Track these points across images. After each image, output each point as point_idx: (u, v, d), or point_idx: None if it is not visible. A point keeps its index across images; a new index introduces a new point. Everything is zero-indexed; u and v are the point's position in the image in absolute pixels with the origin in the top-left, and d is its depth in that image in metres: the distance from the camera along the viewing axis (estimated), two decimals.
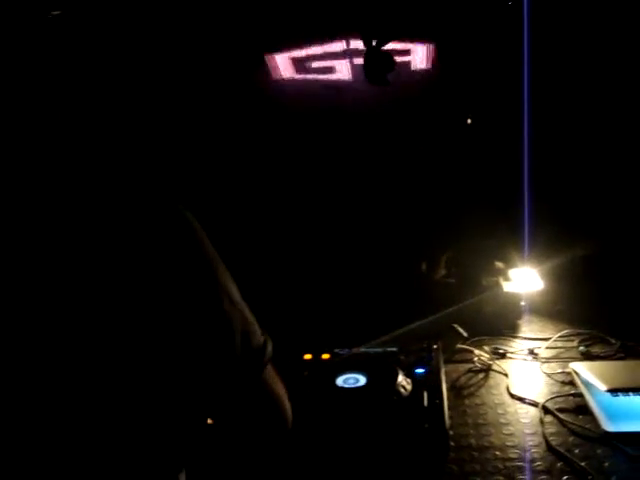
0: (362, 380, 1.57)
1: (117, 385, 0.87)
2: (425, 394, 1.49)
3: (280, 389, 1.02)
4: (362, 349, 1.78)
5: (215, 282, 0.91)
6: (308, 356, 1.78)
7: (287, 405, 1.04)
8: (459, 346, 1.85)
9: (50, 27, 0.95)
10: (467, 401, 1.60)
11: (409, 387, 1.52)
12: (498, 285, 2.06)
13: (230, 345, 0.91)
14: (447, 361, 1.78)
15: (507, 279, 2.08)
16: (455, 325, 1.90)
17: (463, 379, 1.71)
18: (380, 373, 1.57)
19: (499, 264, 2.14)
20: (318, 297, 2.07)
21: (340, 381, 1.58)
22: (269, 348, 0.97)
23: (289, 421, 1.05)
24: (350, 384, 1.56)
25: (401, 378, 1.53)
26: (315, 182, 2.23)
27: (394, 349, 1.75)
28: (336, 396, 1.52)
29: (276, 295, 2.03)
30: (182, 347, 0.89)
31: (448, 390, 1.62)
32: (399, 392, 1.50)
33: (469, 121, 2.19)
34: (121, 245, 0.87)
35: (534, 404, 1.56)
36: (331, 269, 2.17)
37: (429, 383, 1.55)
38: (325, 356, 1.78)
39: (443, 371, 1.64)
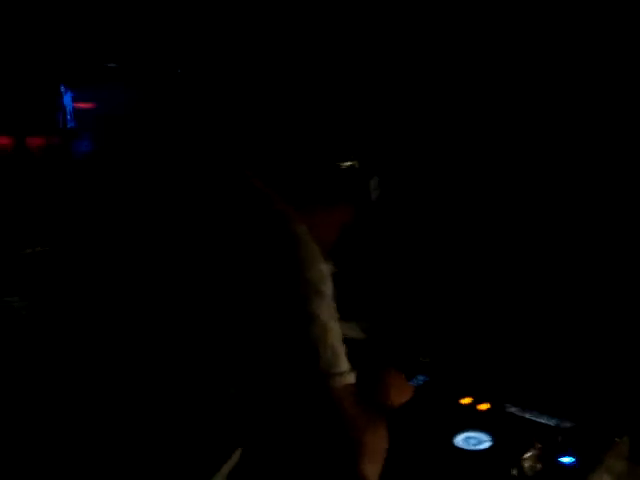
0: (485, 443, 1.25)
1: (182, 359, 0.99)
2: None
3: (360, 415, 0.94)
4: (530, 412, 1.41)
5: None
6: (466, 400, 1.48)
7: (365, 436, 0.93)
8: None
9: None
10: None
11: (538, 466, 1.16)
12: None
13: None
14: None
15: None
16: None
17: None
18: (509, 440, 1.23)
19: None
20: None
21: (460, 438, 1.29)
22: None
23: (359, 456, 0.92)
24: (469, 445, 1.26)
25: (531, 454, 1.17)
26: None
27: (567, 424, 1.35)
28: (444, 454, 1.24)
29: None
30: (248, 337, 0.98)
31: None
32: (522, 467, 1.15)
33: None
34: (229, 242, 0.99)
35: None
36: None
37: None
38: (483, 406, 1.46)
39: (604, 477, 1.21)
